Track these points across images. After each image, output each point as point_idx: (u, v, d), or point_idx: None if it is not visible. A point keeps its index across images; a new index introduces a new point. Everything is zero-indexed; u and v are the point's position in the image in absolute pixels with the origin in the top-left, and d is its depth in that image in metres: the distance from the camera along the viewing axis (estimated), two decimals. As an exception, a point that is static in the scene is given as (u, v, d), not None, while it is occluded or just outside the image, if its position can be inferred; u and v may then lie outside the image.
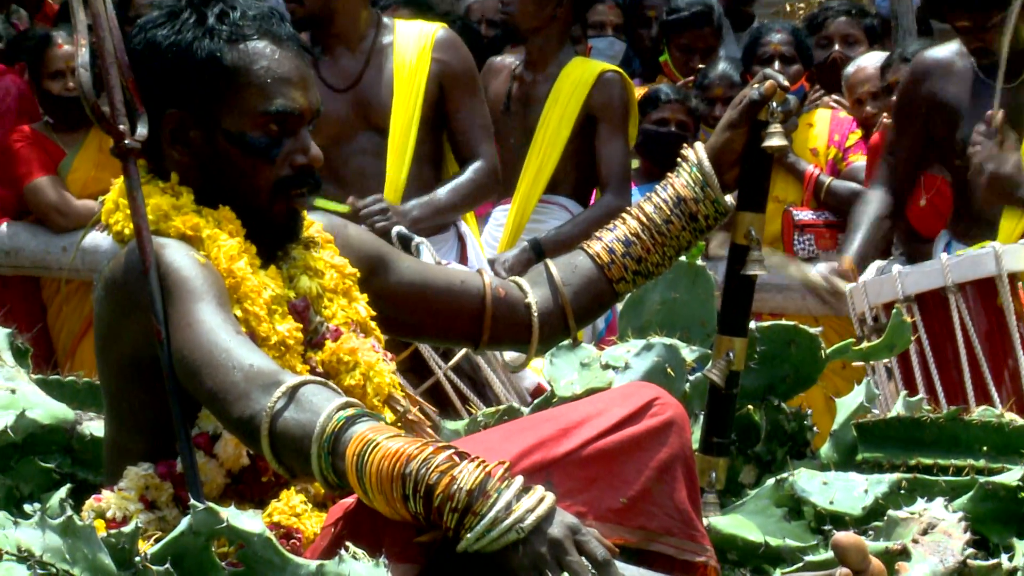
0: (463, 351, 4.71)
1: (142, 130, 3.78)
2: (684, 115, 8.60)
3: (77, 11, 3.86)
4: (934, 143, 7.20)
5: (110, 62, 3.79)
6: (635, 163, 8.73)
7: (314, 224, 3.96)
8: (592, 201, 8.30)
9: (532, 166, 7.80)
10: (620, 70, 8.52)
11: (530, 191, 7.83)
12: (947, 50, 7.29)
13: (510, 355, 4.66)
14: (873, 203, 7.17)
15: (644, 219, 4.08)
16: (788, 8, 16.61)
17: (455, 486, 3.15)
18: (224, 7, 3.83)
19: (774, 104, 4.00)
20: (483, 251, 7.41)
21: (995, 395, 5.86)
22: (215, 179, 3.82)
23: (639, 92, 9.07)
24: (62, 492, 3.54)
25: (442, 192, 7.14)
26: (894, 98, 7.68)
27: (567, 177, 8.11)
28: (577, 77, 8.12)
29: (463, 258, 7.16)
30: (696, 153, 4.08)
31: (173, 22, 3.83)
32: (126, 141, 3.76)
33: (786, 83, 4.05)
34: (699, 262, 4.53)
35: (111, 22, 3.82)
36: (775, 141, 3.99)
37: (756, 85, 4.02)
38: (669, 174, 4.13)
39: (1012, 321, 6.16)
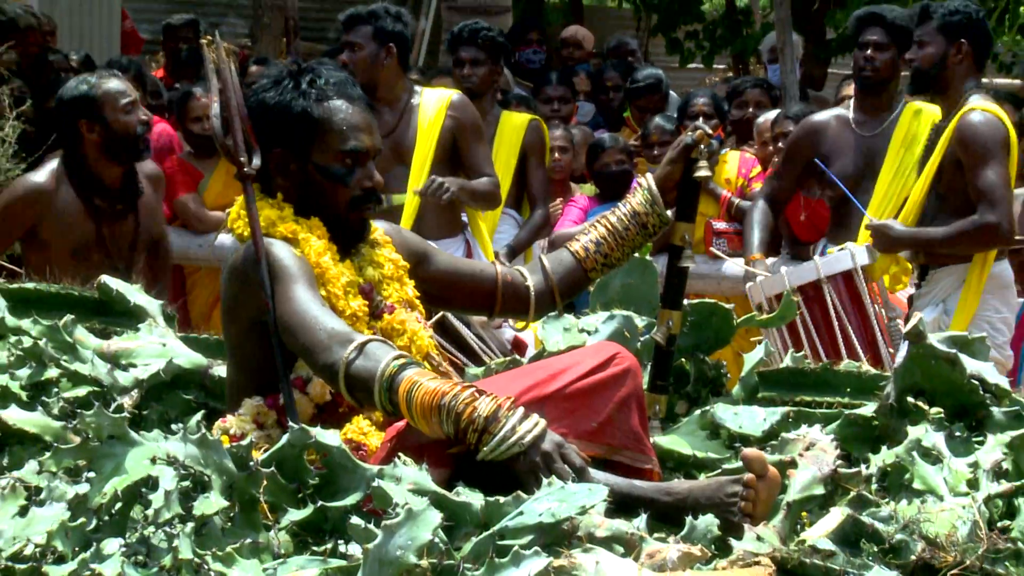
0: (439, 314, 4.70)
1: (256, 161, 3.80)
2: (620, 154, 8.56)
3: (211, 78, 3.87)
4: (813, 178, 7.20)
5: (234, 113, 3.80)
6: (595, 190, 8.74)
7: (378, 230, 3.96)
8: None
9: None
10: (539, 118, 8.61)
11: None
12: (826, 115, 7.27)
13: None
14: (759, 211, 7.16)
15: (610, 227, 4.08)
16: (707, 81, 16.61)
17: (476, 414, 3.20)
18: (313, 76, 3.85)
19: (702, 147, 4.01)
20: (489, 253, 7.43)
21: (860, 353, 5.86)
22: (308, 198, 3.83)
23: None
24: (198, 416, 3.50)
25: (474, 182, 7.27)
26: (781, 144, 7.65)
27: (511, 194, 8.15)
28: (514, 124, 8.18)
29: (468, 257, 7.18)
30: (647, 180, 4.10)
31: (277, 87, 3.86)
32: (245, 169, 3.79)
33: (711, 132, 4.06)
34: (647, 258, 4.52)
35: (235, 85, 3.83)
36: (702, 172, 4.01)
37: (690, 133, 4.04)
38: (627, 195, 4.15)
39: (867, 300, 6.15)
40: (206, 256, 8.61)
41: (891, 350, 6.15)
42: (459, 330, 4.72)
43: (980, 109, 6.30)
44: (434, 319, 4.56)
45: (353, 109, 3.85)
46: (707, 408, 4.02)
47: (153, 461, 3.02)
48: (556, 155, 8.69)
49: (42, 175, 6.33)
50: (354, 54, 7.10)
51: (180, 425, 3.29)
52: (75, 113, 6.28)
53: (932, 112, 7.10)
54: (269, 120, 3.83)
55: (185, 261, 8.76)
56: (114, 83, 6.39)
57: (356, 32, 7.14)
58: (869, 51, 7.01)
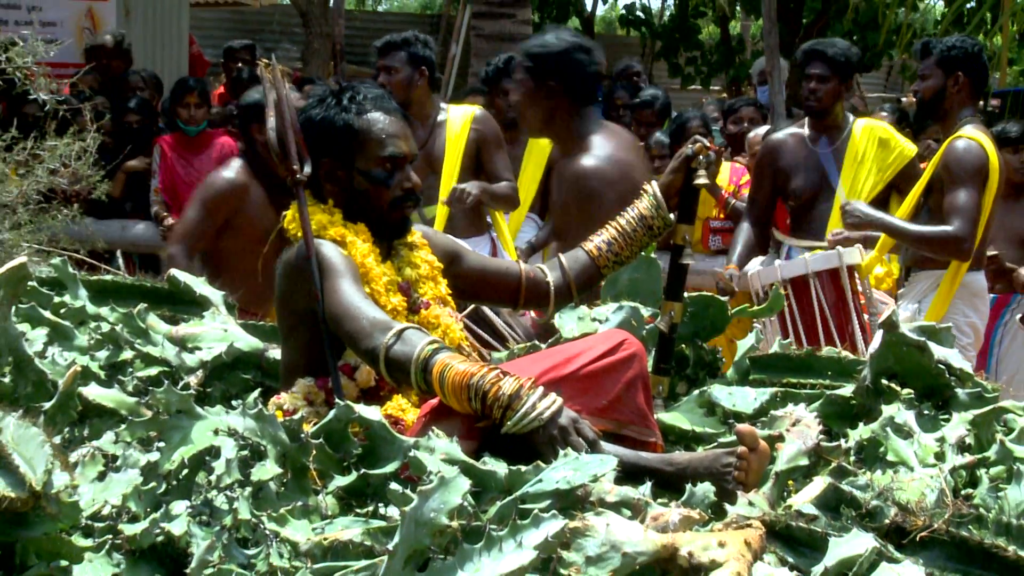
0: (471, 306, 4.70)
1: (307, 169, 3.80)
2: None
3: (268, 96, 3.86)
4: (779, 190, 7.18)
5: (287, 127, 3.80)
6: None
7: (416, 233, 3.96)
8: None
9: (520, 196, 7.80)
10: None
11: (520, 210, 7.93)
12: (783, 133, 7.24)
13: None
14: (743, 231, 7.13)
15: (620, 228, 4.10)
16: (702, 101, 16.61)
17: (501, 392, 3.19)
18: (352, 93, 3.86)
19: (701, 157, 4.01)
20: (512, 252, 7.43)
21: (837, 341, 5.84)
22: (355, 201, 3.84)
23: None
24: (255, 394, 3.51)
25: (495, 185, 7.26)
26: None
27: (536, 201, 8.19)
28: (541, 145, 8.10)
29: (493, 255, 7.19)
30: (652, 187, 4.11)
31: (321, 104, 3.86)
32: (298, 175, 3.78)
33: (708, 144, 4.05)
34: (652, 255, 4.51)
35: (288, 103, 3.84)
36: (701, 180, 4.03)
37: (690, 146, 4.04)
38: (635, 200, 4.14)
39: (849, 296, 6.12)
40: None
41: (868, 339, 6.14)
42: (491, 318, 4.73)
43: (966, 137, 6.30)
44: (468, 309, 4.57)
45: (390, 119, 3.85)
46: (704, 388, 4.01)
47: (216, 433, 3.01)
48: None
49: (233, 171, 6.44)
50: (391, 77, 7.09)
51: (240, 401, 3.30)
52: (248, 118, 6.41)
53: (880, 128, 7.12)
54: (316, 133, 3.83)
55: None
56: None
57: (392, 57, 7.15)
58: (813, 84, 7.02)
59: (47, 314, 3.85)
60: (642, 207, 4.11)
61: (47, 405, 3.19)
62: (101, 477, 3.03)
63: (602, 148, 5.51)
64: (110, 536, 2.82)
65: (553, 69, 5.46)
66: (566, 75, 5.46)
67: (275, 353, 4.10)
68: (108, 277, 4.43)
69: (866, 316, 6.12)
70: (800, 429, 3.31)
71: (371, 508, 2.97)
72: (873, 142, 6.98)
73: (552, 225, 6.44)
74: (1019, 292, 6.94)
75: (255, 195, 6.38)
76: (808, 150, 7.02)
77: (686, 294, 4.14)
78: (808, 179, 6.94)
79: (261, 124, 6.05)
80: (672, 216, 4.10)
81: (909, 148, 7.07)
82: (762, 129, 8.45)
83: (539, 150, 8.12)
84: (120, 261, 8.87)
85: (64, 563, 2.75)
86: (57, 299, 4.04)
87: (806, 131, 7.13)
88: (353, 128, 3.81)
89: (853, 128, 7.03)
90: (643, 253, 4.27)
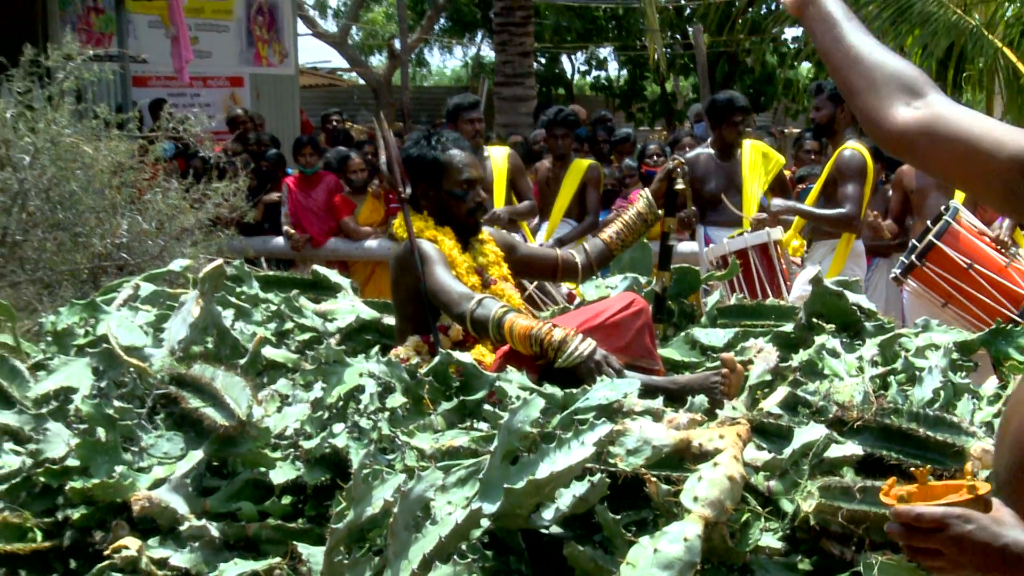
0: (535, 282, 4.66)
1: (408, 190, 3.73)
2: (613, 183, 8.51)
3: (379, 140, 3.81)
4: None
5: (394, 161, 3.75)
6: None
7: (485, 232, 3.90)
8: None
9: (559, 206, 7.70)
10: (597, 163, 8.27)
11: (557, 216, 7.75)
12: (694, 152, 7.11)
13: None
14: None
15: (624, 223, 4.05)
16: (653, 135, 16.51)
17: (553, 339, 3.16)
18: (438, 136, 3.80)
19: (678, 170, 3.95)
20: (531, 240, 7.39)
21: (770, 293, 5.80)
22: (442, 211, 3.78)
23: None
24: (376, 349, 3.46)
25: (518, 206, 7.26)
26: None
27: (572, 208, 7.89)
28: (578, 167, 7.88)
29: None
30: (645, 192, 4.04)
31: (417, 144, 3.80)
32: (403, 195, 3.73)
33: (684, 162, 3.98)
34: (644, 241, 4.46)
35: (393, 144, 3.78)
36: (680, 186, 3.96)
37: (672, 161, 3.97)
38: (633, 202, 4.08)
39: (775, 262, 6.08)
40: (360, 255, 8.62)
41: (788, 291, 6.11)
42: (551, 290, 4.73)
43: (851, 148, 6.26)
44: (533, 285, 4.55)
45: (465, 154, 3.80)
46: (688, 331, 3.94)
47: (361, 375, 2.98)
48: None
49: None
50: (479, 126, 7.17)
51: (364, 354, 3.25)
52: None
53: (760, 145, 7.09)
54: (414, 164, 3.77)
55: (347, 257, 8.74)
56: None
57: (478, 111, 7.19)
58: (740, 127, 6.90)
59: (232, 299, 3.81)
60: (639, 207, 4.04)
61: (242, 362, 3.16)
62: (279, 411, 3.00)
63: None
64: (292, 450, 2.78)
65: None
66: None
67: (388, 320, 4.05)
68: (271, 272, 4.39)
69: (786, 275, 6.08)
70: (764, 355, 3.27)
71: (468, 424, 2.93)
72: (758, 154, 6.95)
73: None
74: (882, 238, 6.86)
75: None
76: (716, 163, 6.90)
77: (672, 266, 4.08)
78: (718, 183, 6.86)
79: None
80: (660, 212, 4.04)
81: (780, 159, 7.09)
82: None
83: (576, 170, 7.85)
84: (264, 264, 8.84)
85: (263, 469, 2.72)
86: (237, 289, 4.00)
87: (712, 151, 7.03)
88: (440, 161, 3.75)
89: (743, 146, 6.97)
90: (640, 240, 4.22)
